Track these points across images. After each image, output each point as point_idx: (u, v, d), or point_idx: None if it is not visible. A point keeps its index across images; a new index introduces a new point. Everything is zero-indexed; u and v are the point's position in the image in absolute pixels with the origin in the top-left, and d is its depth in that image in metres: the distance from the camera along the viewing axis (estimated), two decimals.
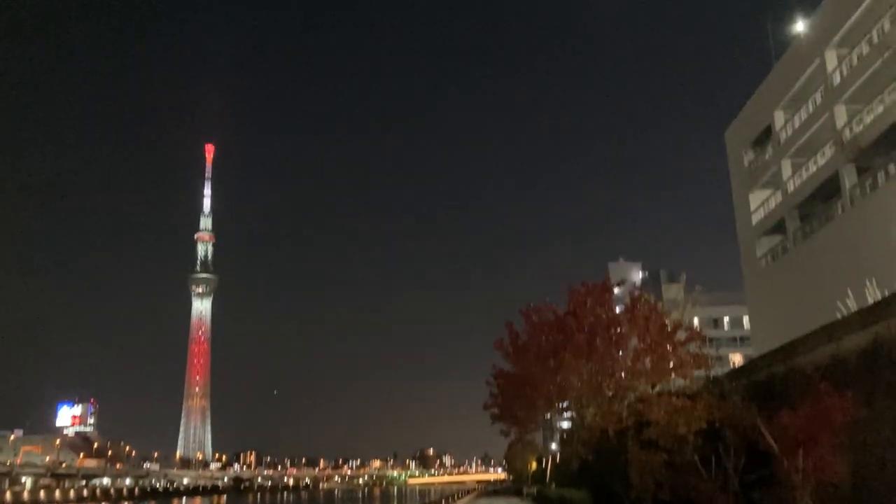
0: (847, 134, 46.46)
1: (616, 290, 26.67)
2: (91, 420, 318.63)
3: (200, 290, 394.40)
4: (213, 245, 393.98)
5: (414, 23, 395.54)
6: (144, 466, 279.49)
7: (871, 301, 28.37)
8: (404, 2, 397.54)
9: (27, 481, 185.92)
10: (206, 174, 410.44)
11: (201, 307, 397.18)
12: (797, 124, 53.63)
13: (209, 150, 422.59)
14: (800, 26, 53.64)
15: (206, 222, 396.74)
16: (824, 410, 12.03)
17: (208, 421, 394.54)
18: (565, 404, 28.70)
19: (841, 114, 47.44)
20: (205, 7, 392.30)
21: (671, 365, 24.38)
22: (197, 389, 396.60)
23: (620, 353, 25.34)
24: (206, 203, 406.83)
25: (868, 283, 35.02)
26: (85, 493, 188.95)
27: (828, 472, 12.11)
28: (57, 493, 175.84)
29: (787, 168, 55.48)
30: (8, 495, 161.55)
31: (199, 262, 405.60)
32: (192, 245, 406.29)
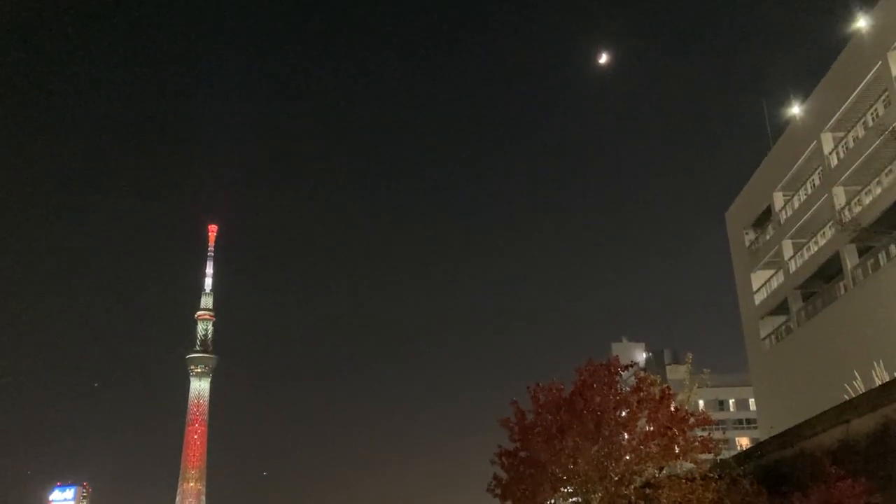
0: (846, 215, 46.69)
1: (622, 372, 26.37)
2: (84, 503, 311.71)
3: (199, 369, 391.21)
4: (214, 324, 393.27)
5: (421, 105, 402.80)
6: None
7: (878, 383, 28.04)
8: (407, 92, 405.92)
9: None
10: (209, 253, 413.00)
11: (199, 387, 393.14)
12: (796, 205, 54.03)
13: (212, 230, 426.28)
14: (796, 109, 54.62)
15: (206, 301, 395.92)
16: (837, 496, 11.65)
17: None
18: (570, 489, 27.95)
19: (839, 195, 47.83)
20: (209, 87, 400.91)
21: (677, 449, 23.90)
22: (193, 472, 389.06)
23: (627, 435, 24.87)
24: (208, 282, 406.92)
25: (875, 364, 34.72)
26: None
27: None
28: None
29: (788, 248, 55.60)
30: None
31: (198, 342, 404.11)
32: (192, 324, 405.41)
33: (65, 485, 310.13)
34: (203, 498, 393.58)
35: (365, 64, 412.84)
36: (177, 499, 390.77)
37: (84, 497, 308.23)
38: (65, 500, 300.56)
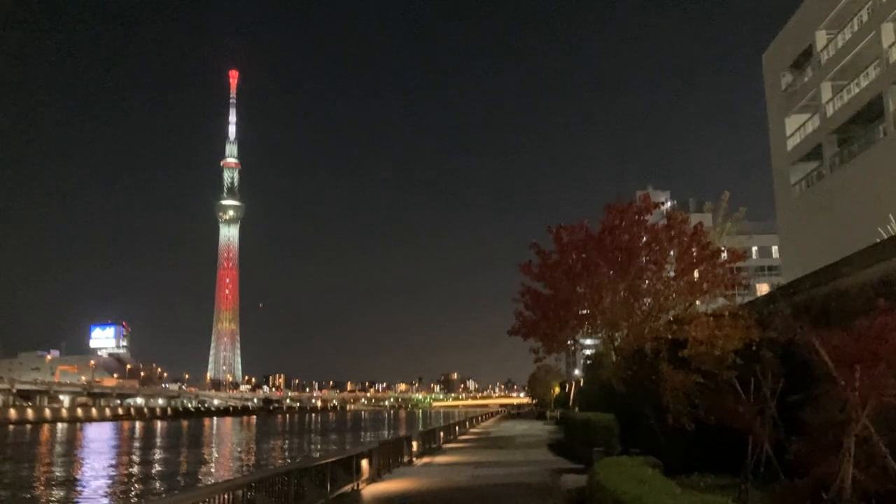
0: (893, 54, 44.49)
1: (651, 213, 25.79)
2: (123, 342, 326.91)
3: (227, 216, 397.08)
4: (239, 172, 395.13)
5: None
6: (177, 387, 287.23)
7: None
8: None
9: (65, 399, 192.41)
10: (231, 100, 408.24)
11: (228, 233, 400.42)
12: (840, 44, 51.47)
13: (233, 76, 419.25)
14: None
15: (231, 149, 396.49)
16: (881, 326, 11.31)
17: (238, 344, 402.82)
18: (590, 329, 28.08)
19: (888, 32, 45.35)
20: None
21: (706, 286, 23.76)
22: (226, 313, 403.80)
23: (656, 267, 24.66)
24: (232, 129, 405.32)
25: None
26: (120, 411, 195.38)
27: (888, 392, 11.39)
28: (94, 411, 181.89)
29: (826, 91, 53.54)
30: (47, 412, 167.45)
31: (225, 189, 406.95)
32: (219, 171, 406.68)
33: (104, 323, 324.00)
34: (237, 338, 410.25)
35: None
36: (212, 339, 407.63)
37: (124, 336, 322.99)
38: (105, 338, 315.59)
